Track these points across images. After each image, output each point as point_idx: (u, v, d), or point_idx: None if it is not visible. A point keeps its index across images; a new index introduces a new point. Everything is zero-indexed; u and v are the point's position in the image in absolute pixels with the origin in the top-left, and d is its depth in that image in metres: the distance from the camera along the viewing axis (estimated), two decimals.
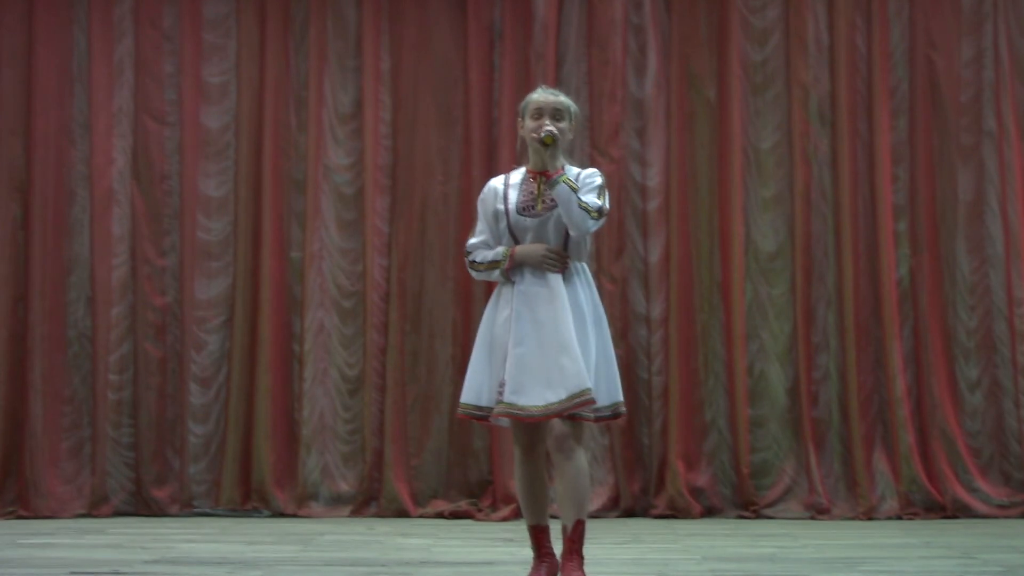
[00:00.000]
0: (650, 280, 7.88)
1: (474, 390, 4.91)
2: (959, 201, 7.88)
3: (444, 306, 7.93)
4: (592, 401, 4.74)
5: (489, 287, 7.77)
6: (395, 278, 7.94)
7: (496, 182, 5.08)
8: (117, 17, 8.03)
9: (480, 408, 4.90)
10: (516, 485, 4.98)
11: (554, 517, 4.97)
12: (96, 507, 7.80)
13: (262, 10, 8.06)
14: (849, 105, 7.88)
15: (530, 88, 7.74)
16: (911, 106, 7.92)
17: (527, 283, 4.88)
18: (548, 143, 4.87)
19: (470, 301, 7.87)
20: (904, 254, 7.87)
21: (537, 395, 4.74)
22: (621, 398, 4.95)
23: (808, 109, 7.91)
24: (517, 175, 5.04)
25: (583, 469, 4.83)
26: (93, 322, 7.89)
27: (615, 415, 4.96)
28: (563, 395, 4.73)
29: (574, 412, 4.74)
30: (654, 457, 7.80)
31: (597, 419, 4.88)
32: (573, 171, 4.95)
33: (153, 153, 8.02)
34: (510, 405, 4.76)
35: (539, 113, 4.95)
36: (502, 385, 4.79)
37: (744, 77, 7.94)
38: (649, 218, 7.90)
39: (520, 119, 5.03)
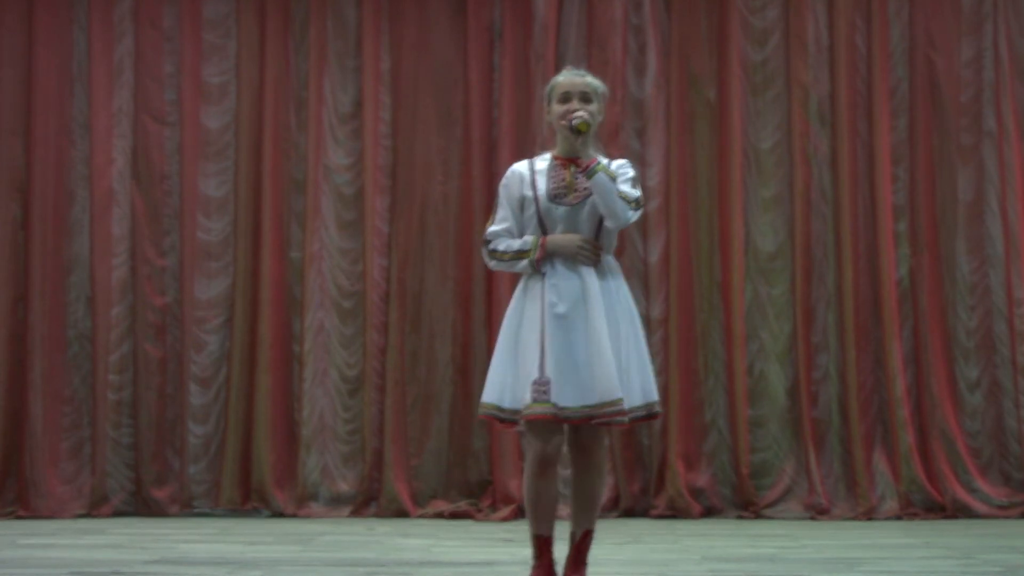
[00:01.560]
0: (650, 280, 7.87)
1: (496, 390, 4.69)
2: (959, 201, 7.88)
3: (444, 306, 7.92)
4: (622, 412, 4.57)
5: (490, 286, 7.82)
6: (395, 278, 7.94)
7: (520, 167, 4.85)
8: (117, 17, 8.03)
9: (502, 410, 4.68)
10: (525, 494, 4.75)
11: (557, 518, 4.95)
12: (96, 507, 7.80)
13: (262, 10, 8.05)
14: (849, 105, 7.88)
15: (530, 88, 7.83)
16: (911, 106, 7.92)
17: (559, 276, 4.67)
18: (583, 131, 4.64)
19: (470, 301, 7.87)
20: (904, 254, 7.87)
21: (574, 396, 4.57)
22: (656, 397, 4.74)
23: (808, 109, 7.90)
24: (543, 161, 4.82)
25: (601, 482, 4.75)
26: (93, 322, 7.89)
27: (650, 415, 4.74)
28: (595, 400, 4.56)
29: (607, 420, 4.59)
30: (654, 457, 7.80)
31: (632, 420, 4.68)
32: (603, 161, 4.73)
33: (153, 153, 8.02)
34: (554, 405, 4.55)
35: (567, 97, 4.73)
36: (545, 383, 4.56)
37: (744, 77, 7.94)
38: (649, 218, 7.89)
39: (547, 103, 4.81)
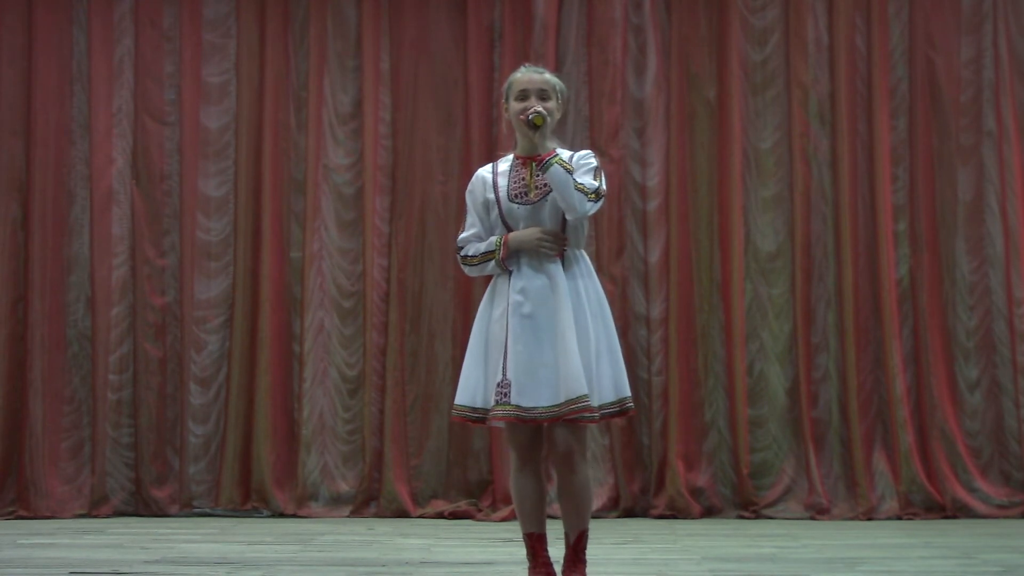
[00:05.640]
0: (650, 280, 7.87)
1: (469, 391, 4.73)
2: (959, 201, 7.88)
3: (444, 306, 7.93)
4: (589, 409, 4.58)
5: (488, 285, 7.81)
6: (395, 278, 7.94)
7: (484, 171, 4.89)
8: (117, 17, 8.03)
9: (475, 410, 4.72)
10: (512, 493, 4.81)
11: (552, 517, 4.96)
12: (96, 507, 7.80)
13: (262, 10, 8.06)
14: (849, 105, 7.88)
15: None
16: (911, 106, 7.92)
17: (525, 276, 4.69)
18: (538, 125, 4.66)
19: (470, 301, 7.86)
20: (904, 254, 7.87)
21: (539, 396, 4.59)
22: (628, 393, 4.74)
23: (808, 109, 7.91)
24: (505, 162, 4.84)
25: (587, 481, 4.73)
26: (93, 322, 7.89)
27: (622, 411, 4.74)
28: (561, 399, 4.59)
29: (574, 417, 4.60)
30: (654, 457, 7.80)
31: (603, 416, 4.68)
32: (565, 154, 4.75)
33: (153, 153, 8.02)
34: (516, 407, 4.60)
35: (524, 94, 4.74)
36: (506, 385, 4.62)
37: (744, 77, 7.94)
38: (649, 218, 7.89)
39: (505, 101, 4.83)
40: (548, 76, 4.82)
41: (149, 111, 8.03)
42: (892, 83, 7.92)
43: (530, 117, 4.68)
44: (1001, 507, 7.65)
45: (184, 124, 8.03)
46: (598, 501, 7.65)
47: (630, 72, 7.97)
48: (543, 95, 4.76)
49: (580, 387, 4.58)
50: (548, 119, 4.70)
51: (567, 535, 4.79)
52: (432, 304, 7.94)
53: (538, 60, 7.80)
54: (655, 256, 7.89)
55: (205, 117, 8.05)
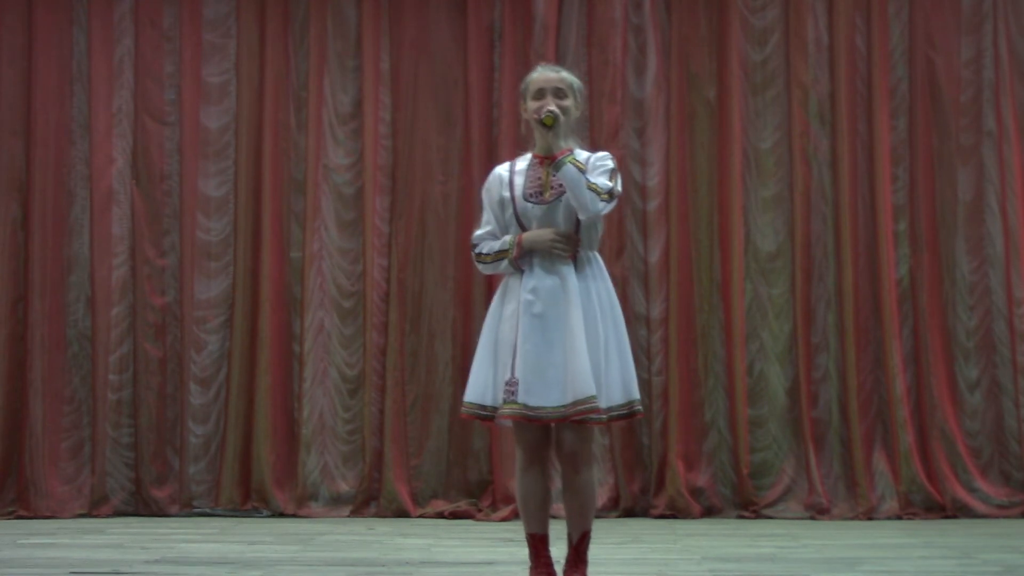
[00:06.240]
0: (650, 280, 7.87)
1: (478, 389, 4.73)
2: (959, 201, 7.88)
3: (444, 306, 7.93)
4: (596, 410, 4.58)
5: (490, 286, 7.81)
6: (395, 278, 7.94)
7: (501, 169, 4.89)
8: (117, 17, 8.03)
9: (484, 408, 4.71)
10: (516, 492, 4.81)
11: (554, 517, 4.96)
12: (96, 507, 7.80)
13: (262, 10, 8.06)
14: (849, 105, 7.88)
15: None
16: (911, 106, 7.93)
17: (536, 276, 4.69)
18: (549, 124, 4.66)
19: (470, 301, 7.87)
20: (904, 254, 7.87)
21: (547, 395, 4.59)
22: (637, 396, 4.74)
23: (808, 109, 7.91)
24: (523, 161, 4.85)
25: (592, 482, 4.73)
26: (93, 322, 7.89)
27: (631, 414, 4.74)
28: (569, 399, 4.58)
29: (581, 418, 4.59)
30: (654, 457, 7.80)
31: (611, 418, 4.69)
32: (583, 154, 4.76)
33: (153, 153, 8.02)
34: (523, 406, 4.60)
35: (541, 93, 4.74)
36: (514, 384, 4.62)
37: (744, 77, 7.94)
38: (649, 218, 7.89)
39: (522, 101, 4.84)
40: (565, 74, 4.82)
41: (149, 111, 8.03)
42: (892, 83, 7.92)
43: (542, 116, 4.68)
44: (1001, 507, 7.65)
45: (184, 124, 8.03)
46: (598, 501, 7.64)
47: (630, 72, 7.97)
48: (559, 94, 4.76)
49: (588, 388, 4.57)
50: (561, 118, 4.70)
51: (570, 535, 4.79)
52: (432, 304, 7.94)
53: (538, 60, 7.79)
54: (655, 256, 7.89)
55: (205, 117, 8.05)
